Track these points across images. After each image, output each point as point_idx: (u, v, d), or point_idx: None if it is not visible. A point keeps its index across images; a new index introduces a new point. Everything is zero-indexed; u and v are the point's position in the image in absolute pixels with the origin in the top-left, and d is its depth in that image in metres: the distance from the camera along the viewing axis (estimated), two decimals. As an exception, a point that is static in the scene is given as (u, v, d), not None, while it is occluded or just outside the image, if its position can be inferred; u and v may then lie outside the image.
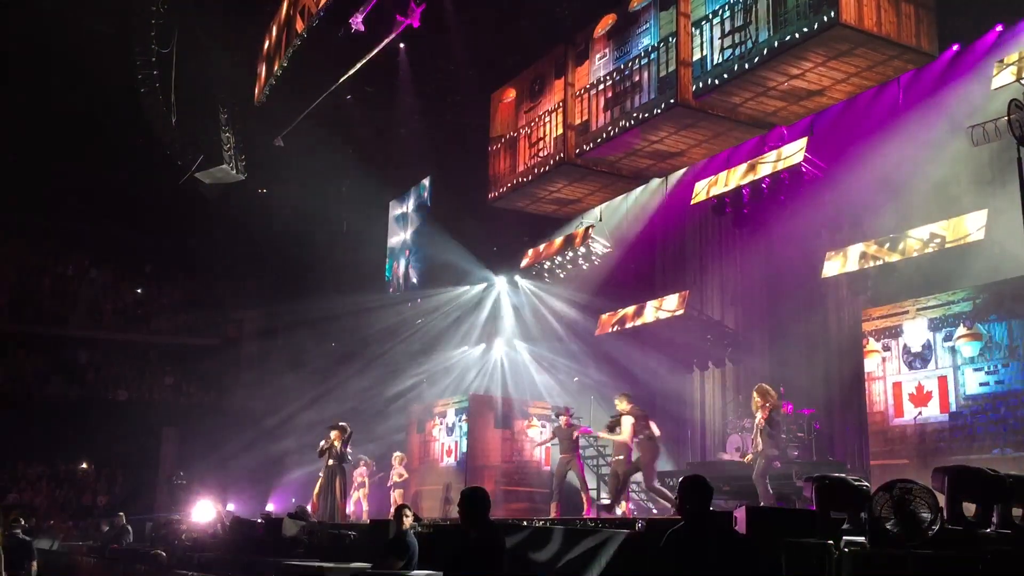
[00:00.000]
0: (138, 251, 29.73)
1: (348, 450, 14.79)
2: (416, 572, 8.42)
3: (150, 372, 29.09)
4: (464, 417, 18.53)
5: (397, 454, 18.10)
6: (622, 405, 12.64)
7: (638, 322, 17.57)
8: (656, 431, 12.65)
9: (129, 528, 18.33)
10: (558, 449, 14.68)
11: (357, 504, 17.55)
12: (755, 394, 11.26)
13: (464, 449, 17.95)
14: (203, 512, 18.29)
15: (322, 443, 14.68)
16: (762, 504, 10.54)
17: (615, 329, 17.88)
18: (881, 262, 12.95)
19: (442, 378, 21.16)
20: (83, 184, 26.09)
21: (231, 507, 21.15)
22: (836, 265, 13.66)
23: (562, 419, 14.34)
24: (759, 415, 11.10)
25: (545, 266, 19.23)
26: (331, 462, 14.45)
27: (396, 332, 23.52)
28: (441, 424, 18.88)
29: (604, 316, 18.39)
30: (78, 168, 25.42)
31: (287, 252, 25.95)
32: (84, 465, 26.54)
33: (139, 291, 30.34)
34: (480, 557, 5.83)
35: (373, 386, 23.02)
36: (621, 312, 18.03)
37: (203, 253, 28.68)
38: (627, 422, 12.47)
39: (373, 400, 22.65)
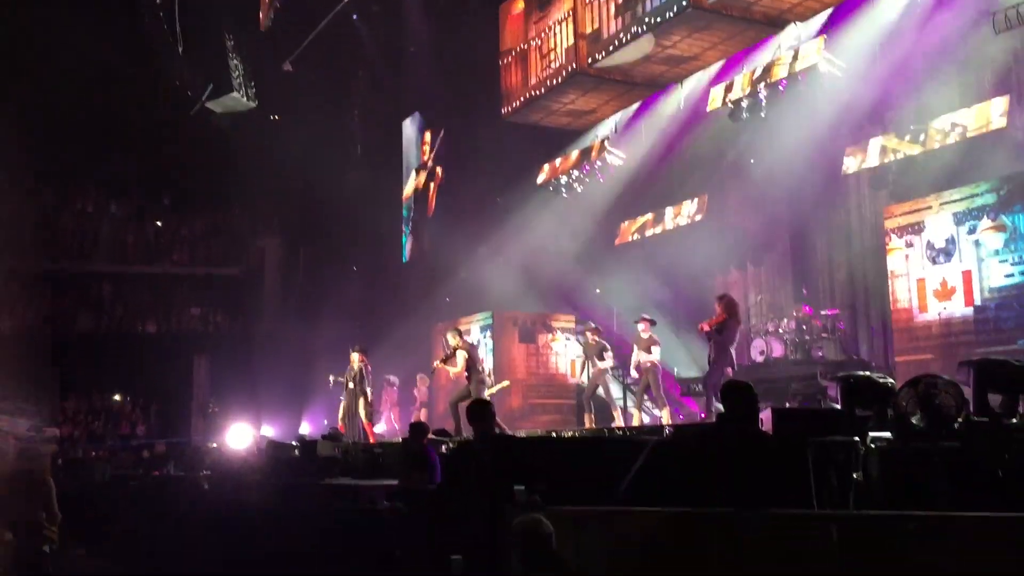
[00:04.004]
0: (155, 184, 29.70)
1: (369, 368, 14.87)
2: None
3: (176, 304, 29.34)
4: (489, 334, 18.63)
5: (421, 375, 18.30)
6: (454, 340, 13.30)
7: (658, 229, 17.50)
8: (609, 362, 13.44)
9: (170, 458, 18.71)
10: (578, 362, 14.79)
11: (389, 423, 17.82)
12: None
13: (490, 365, 18.10)
14: (238, 437, 18.59)
15: (330, 377, 14.87)
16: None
17: (635, 238, 17.81)
18: (902, 155, 12.76)
19: (466, 296, 21.18)
20: (94, 121, 25.96)
21: (267, 431, 21.51)
22: (856, 161, 13.47)
23: (589, 333, 14.41)
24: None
25: (562, 181, 19.08)
26: (352, 384, 14.61)
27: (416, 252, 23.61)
28: (466, 341, 19.05)
29: (624, 224, 18.31)
30: (86, 104, 25.27)
31: (303, 178, 25.87)
32: (118, 397, 26.98)
33: (159, 224, 30.41)
34: (480, 464, 5.98)
35: (397, 308, 23.16)
36: (640, 220, 17.95)
37: (220, 183, 28.56)
38: (460, 356, 13.11)
39: (397, 322, 22.79)
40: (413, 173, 25.24)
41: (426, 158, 24.60)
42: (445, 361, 13.39)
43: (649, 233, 17.72)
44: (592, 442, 8.71)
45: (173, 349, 26.22)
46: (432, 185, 24.21)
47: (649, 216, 17.80)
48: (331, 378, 14.96)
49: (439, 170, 23.99)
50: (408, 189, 25.40)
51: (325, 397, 21.41)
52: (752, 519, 4.78)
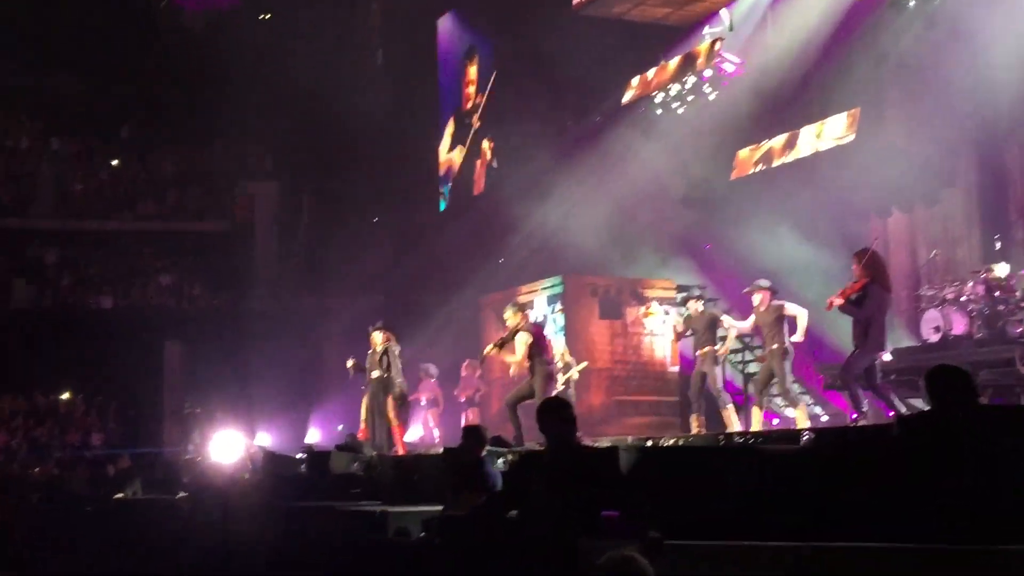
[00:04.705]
0: (110, 111, 30.04)
1: (398, 351, 14.84)
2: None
3: (141, 271, 29.75)
4: (558, 306, 18.55)
5: (469, 362, 18.26)
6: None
7: (790, 157, 17.26)
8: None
9: (136, 474, 18.98)
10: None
11: (426, 428, 17.87)
12: None
13: (560, 348, 18.01)
14: (226, 447, 18.83)
15: (348, 363, 14.90)
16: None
17: (759, 170, 17.59)
18: None
19: (527, 256, 21.10)
20: (26, 25, 26.19)
21: (262, 439, 21.75)
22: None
23: (692, 303, 14.22)
24: None
25: (656, 99, 18.88)
26: (376, 374, 14.61)
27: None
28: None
29: (743, 153, 18.07)
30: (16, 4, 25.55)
31: (305, 101, 25.97)
32: (67, 396, 27.44)
33: (115, 164, 30.80)
34: (552, 483, 5.92)
35: (434, 274, 23.20)
36: (766, 145, 17.70)
37: (196, 109, 28.84)
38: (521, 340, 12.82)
39: (435, 293, 22.83)
40: (450, 125, 25.16)
41: (470, 103, 24.54)
42: (501, 346, 13.22)
43: (778, 163, 17.47)
44: (701, 454, 8.58)
45: (137, 331, 26.53)
46: (479, 164, 24.25)
47: (779, 140, 17.53)
48: (350, 364, 14.99)
49: (488, 146, 23.92)
50: (445, 152, 25.39)
51: (340, 393, 21.55)
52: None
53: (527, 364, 12.90)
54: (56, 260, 29.41)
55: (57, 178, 30.03)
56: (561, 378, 14.67)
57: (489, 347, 13.64)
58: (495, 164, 23.57)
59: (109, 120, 30.43)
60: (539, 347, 12.96)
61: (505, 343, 13.18)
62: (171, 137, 30.54)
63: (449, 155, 25.39)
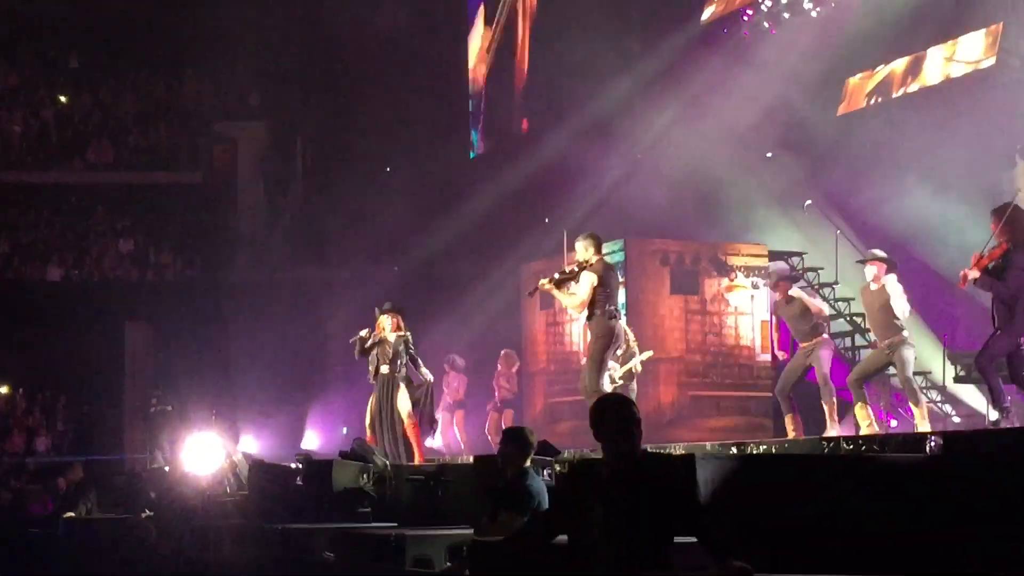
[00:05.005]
0: (53, 29, 30.03)
1: (409, 338, 14.82)
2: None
3: (95, 234, 29.82)
4: (619, 277, 18.50)
5: (505, 352, 18.32)
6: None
7: (913, 86, 17.18)
8: None
9: (90, 487, 19.08)
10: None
11: (448, 432, 17.93)
12: None
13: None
14: (202, 455, 18.91)
15: (362, 333, 14.84)
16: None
17: (874, 101, 17.50)
18: None
19: (579, 214, 21.02)
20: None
21: (248, 445, 21.83)
22: None
23: (781, 283, 14.21)
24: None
25: (745, 15, 18.99)
26: (386, 368, 14.62)
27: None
28: (579, 293, 19.00)
29: (853, 80, 18.01)
30: None
31: (300, 17, 25.99)
32: (5, 389, 27.60)
33: (62, 99, 30.85)
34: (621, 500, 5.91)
35: (462, 237, 23.23)
36: (882, 72, 17.62)
37: (163, 30, 28.88)
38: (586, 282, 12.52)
39: (463, 261, 22.83)
40: (480, 24, 25.08)
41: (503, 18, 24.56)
42: (561, 283, 12.95)
43: (898, 94, 17.39)
44: (800, 464, 8.54)
45: (91, 310, 26.69)
46: (519, 34, 24.07)
47: (899, 64, 17.44)
48: (359, 338, 14.96)
49: (525, 3, 23.82)
50: (475, 51, 25.33)
51: (344, 387, 21.64)
52: None
53: (585, 314, 12.74)
54: (-13, 221, 29.57)
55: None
56: (619, 370, 14.62)
57: (544, 281, 13.36)
58: (534, 94, 23.49)
59: (53, 45, 30.46)
60: (606, 293, 12.82)
61: (566, 280, 12.97)
62: (132, 66, 30.56)
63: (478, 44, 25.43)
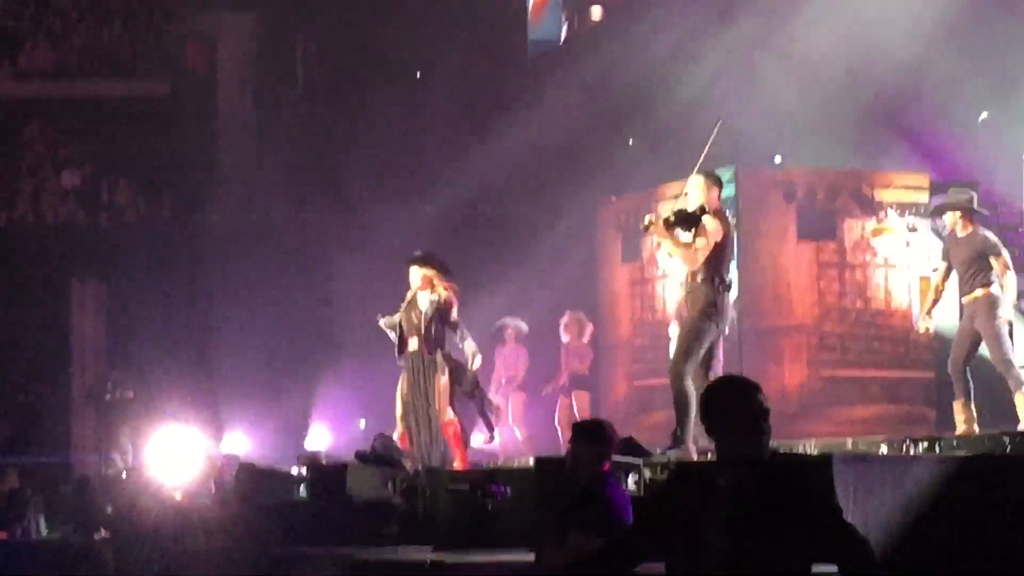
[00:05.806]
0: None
1: (455, 303, 14.88)
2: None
3: (33, 164, 30.08)
4: (729, 216, 18.51)
5: (570, 315, 18.45)
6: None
7: None
8: None
9: (30, 499, 19.32)
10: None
11: (506, 425, 18.01)
12: None
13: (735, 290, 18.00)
14: (174, 455, 19.08)
15: (381, 321, 14.93)
16: None
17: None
18: None
19: (680, 133, 21.00)
20: None
21: (235, 443, 22.04)
22: None
23: (952, 218, 14.14)
24: None
25: None
26: (415, 343, 14.65)
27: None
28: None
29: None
30: None
31: None
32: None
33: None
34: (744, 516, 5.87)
35: (517, 162, 23.22)
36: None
37: None
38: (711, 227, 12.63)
39: (519, 195, 22.94)
40: None
41: None
42: (675, 225, 12.96)
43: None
44: (974, 466, 8.54)
45: (25, 263, 26.93)
46: None
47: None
48: (382, 322, 15.11)
49: None
50: None
51: (361, 368, 21.79)
52: None
53: (699, 272, 12.77)
54: None
55: None
56: None
57: (650, 217, 13.35)
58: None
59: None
60: (722, 254, 12.88)
61: (682, 223, 12.98)
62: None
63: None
